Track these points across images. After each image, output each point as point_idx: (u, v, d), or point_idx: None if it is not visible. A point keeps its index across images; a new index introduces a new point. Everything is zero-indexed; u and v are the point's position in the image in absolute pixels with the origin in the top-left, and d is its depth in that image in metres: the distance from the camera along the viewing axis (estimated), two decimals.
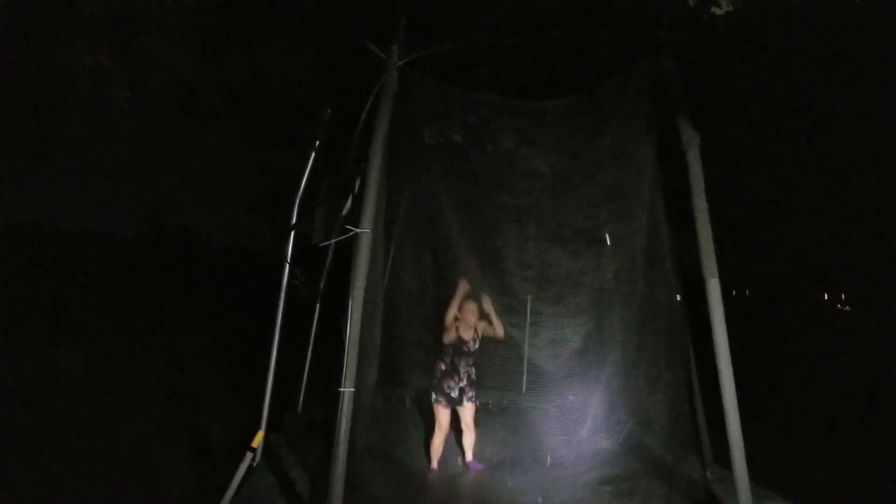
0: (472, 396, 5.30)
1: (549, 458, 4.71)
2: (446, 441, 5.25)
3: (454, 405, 5.26)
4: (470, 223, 5.28)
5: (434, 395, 5.24)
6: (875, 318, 27.37)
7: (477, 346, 5.35)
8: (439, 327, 5.27)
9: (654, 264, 4.04)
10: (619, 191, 4.24)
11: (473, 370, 5.35)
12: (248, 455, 3.73)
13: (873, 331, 21.30)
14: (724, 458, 3.27)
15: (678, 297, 3.99)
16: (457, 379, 5.23)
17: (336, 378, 3.27)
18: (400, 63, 3.28)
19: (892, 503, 5.38)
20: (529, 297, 5.68)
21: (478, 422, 5.34)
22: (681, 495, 3.54)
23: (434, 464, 5.23)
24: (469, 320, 5.29)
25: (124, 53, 4.34)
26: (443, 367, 5.24)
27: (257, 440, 3.81)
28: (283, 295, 4.18)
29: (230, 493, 3.44)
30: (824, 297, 48.87)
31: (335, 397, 3.21)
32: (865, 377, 11.65)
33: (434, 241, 5.51)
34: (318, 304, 5.23)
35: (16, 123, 4.81)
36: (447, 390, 5.22)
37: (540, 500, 3.78)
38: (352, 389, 2.80)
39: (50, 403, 7.43)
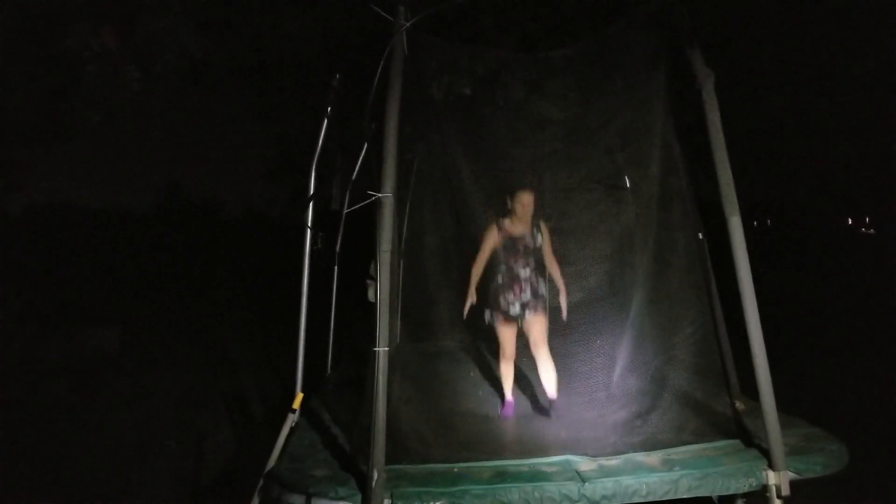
0: (538, 307, 4.31)
1: (579, 400, 4.78)
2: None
3: (518, 321, 4.35)
4: (485, 177, 5.27)
5: (489, 314, 4.40)
6: None
7: (538, 243, 4.37)
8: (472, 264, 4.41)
9: (672, 204, 4.04)
10: (634, 134, 4.20)
11: (540, 280, 4.35)
12: (290, 416, 3.87)
13: None
14: (751, 390, 3.33)
15: (699, 236, 4.00)
16: (517, 290, 4.27)
17: (363, 338, 3.37)
18: (408, 25, 3.26)
19: None
20: None
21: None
22: (711, 428, 3.62)
23: (508, 395, 4.45)
24: (523, 211, 4.35)
25: (129, 35, 4.36)
26: (500, 279, 4.35)
27: (297, 402, 3.95)
28: (306, 261, 4.25)
29: (276, 451, 3.58)
30: (848, 221, 48.28)
31: (365, 357, 3.31)
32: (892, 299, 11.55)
33: (449, 197, 5.51)
34: (335, 268, 5.26)
35: (30, 112, 4.89)
36: (505, 306, 4.31)
37: (563, 433, 3.81)
38: (386, 349, 2.89)
39: (92, 379, 7.68)
